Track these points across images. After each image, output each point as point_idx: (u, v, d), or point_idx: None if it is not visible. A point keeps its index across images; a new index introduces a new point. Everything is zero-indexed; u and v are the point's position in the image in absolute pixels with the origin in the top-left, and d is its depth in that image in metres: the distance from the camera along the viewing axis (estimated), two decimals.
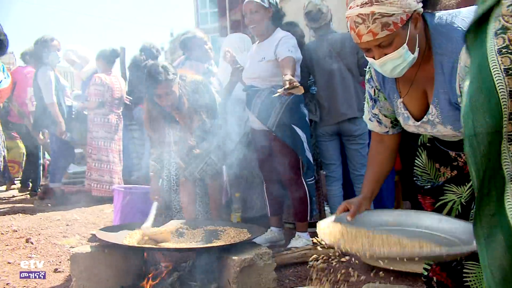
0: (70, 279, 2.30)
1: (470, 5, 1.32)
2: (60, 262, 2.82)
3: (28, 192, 5.34)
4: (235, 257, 2.14)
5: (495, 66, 0.76)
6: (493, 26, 0.78)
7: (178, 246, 2.39)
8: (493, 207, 0.72)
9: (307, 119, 3.03)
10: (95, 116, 4.67)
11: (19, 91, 5.02)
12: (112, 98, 4.69)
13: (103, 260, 2.27)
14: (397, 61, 1.27)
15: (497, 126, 0.71)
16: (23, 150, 5.61)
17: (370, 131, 1.69)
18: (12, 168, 5.76)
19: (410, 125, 1.44)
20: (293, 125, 2.89)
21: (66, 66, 5.43)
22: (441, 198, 1.52)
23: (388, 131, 1.58)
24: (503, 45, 0.77)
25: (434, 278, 1.58)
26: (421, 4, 1.25)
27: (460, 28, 1.25)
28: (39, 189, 5.18)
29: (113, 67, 4.95)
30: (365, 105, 1.62)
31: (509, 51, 0.77)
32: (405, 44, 1.24)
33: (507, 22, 0.78)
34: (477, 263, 1.40)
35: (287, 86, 2.41)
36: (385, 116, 1.56)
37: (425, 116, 1.38)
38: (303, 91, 2.51)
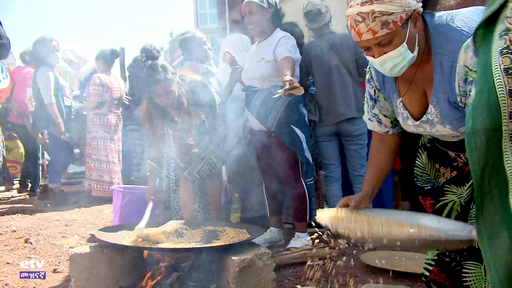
0: (69, 279, 2.30)
1: (469, 6, 1.33)
2: (59, 262, 2.81)
3: (27, 192, 5.33)
4: (234, 258, 2.14)
5: (496, 66, 0.77)
6: (499, 28, 0.79)
7: (177, 246, 2.39)
8: (497, 205, 0.72)
9: (306, 119, 3.04)
10: (94, 116, 4.67)
11: (18, 91, 5.02)
12: (111, 98, 4.69)
13: (102, 261, 2.26)
14: (396, 60, 1.27)
15: (495, 123, 0.72)
16: (23, 150, 5.61)
17: (369, 132, 1.70)
18: (14, 169, 5.77)
19: (410, 125, 1.45)
20: (292, 125, 2.89)
21: (64, 66, 5.43)
22: (441, 199, 1.53)
23: (388, 131, 1.59)
24: (505, 46, 0.78)
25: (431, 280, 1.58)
26: (420, 4, 1.26)
27: (459, 28, 1.26)
28: (38, 189, 5.18)
29: (113, 67, 4.95)
30: (365, 105, 1.63)
31: (510, 51, 0.77)
32: (405, 42, 1.25)
33: (510, 23, 0.78)
34: (476, 263, 1.40)
35: (287, 86, 2.41)
36: (385, 116, 1.56)
37: (424, 116, 1.39)
38: (303, 92, 2.51)
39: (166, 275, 2.26)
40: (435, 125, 1.38)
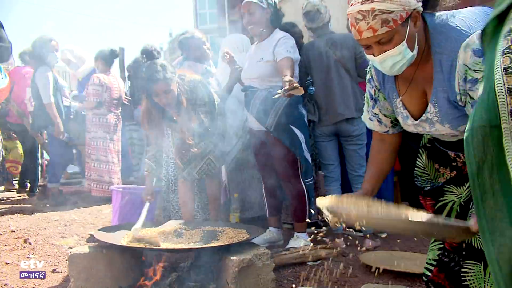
0: (68, 279, 2.30)
1: (469, 6, 1.34)
2: (58, 262, 2.81)
3: (26, 193, 5.33)
4: (233, 258, 2.14)
5: (497, 66, 0.77)
6: (505, 28, 0.80)
7: (176, 246, 2.39)
8: (498, 201, 0.72)
9: (305, 119, 3.04)
10: (94, 116, 4.67)
11: (17, 91, 5.01)
12: (110, 98, 4.69)
13: (101, 261, 2.26)
14: (396, 58, 1.28)
15: (492, 120, 0.73)
16: (21, 150, 5.61)
17: (369, 132, 1.70)
18: (14, 169, 5.76)
19: (409, 125, 1.46)
20: (291, 126, 2.88)
21: (62, 65, 5.42)
22: (441, 199, 1.53)
23: (388, 131, 1.60)
24: (506, 46, 0.79)
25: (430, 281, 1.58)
26: (420, 4, 1.27)
27: (458, 28, 1.27)
28: (37, 190, 5.17)
29: (112, 67, 4.95)
30: (365, 105, 1.64)
31: (510, 51, 0.78)
32: (404, 41, 1.26)
33: None
34: (476, 262, 1.41)
35: (287, 87, 2.41)
36: (385, 115, 1.57)
37: (424, 115, 1.40)
38: (303, 92, 2.51)
39: (165, 276, 2.26)
40: (434, 124, 1.38)
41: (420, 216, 1.13)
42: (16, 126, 5.22)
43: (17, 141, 5.65)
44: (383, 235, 3.39)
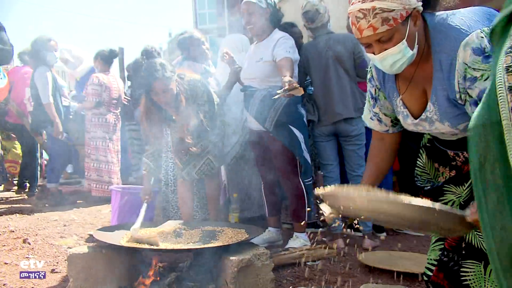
0: (67, 279, 2.30)
1: (469, 6, 1.34)
2: (57, 262, 2.81)
3: (25, 193, 5.32)
4: (232, 258, 2.14)
5: (499, 65, 0.78)
6: None
7: (175, 246, 2.39)
8: (500, 196, 0.73)
9: (304, 119, 3.04)
10: (93, 116, 4.67)
11: (17, 91, 5.01)
12: (109, 98, 4.69)
13: (100, 261, 2.26)
14: (396, 56, 1.30)
15: (493, 117, 0.74)
16: (20, 150, 5.60)
17: (368, 132, 1.71)
18: (13, 169, 5.76)
19: (409, 124, 1.47)
20: (290, 126, 2.89)
21: (60, 65, 5.41)
22: (441, 198, 1.53)
23: (388, 130, 1.61)
24: (509, 46, 0.79)
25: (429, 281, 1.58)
26: (420, 3, 1.29)
27: (458, 27, 1.28)
28: (36, 189, 5.17)
29: (111, 67, 4.95)
30: (366, 104, 1.65)
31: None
32: (405, 40, 1.28)
33: None
34: (476, 262, 1.41)
35: (287, 87, 2.41)
36: (385, 115, 1.58)
37: (423, 113, 1.41)
38: (302, 93, 2.52)
39: (164, 276, 2.26)
40: (434, 123, 1.40)
41: (417, 201, 1.13)
42: (15, 126, 5.22)
43: (16, 141, 5.65)
44: (382, 235, 3.39)
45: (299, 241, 2.94)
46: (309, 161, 3.00)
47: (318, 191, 1.32)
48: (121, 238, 2.42)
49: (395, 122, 1.58)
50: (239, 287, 2.14)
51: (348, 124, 3.19)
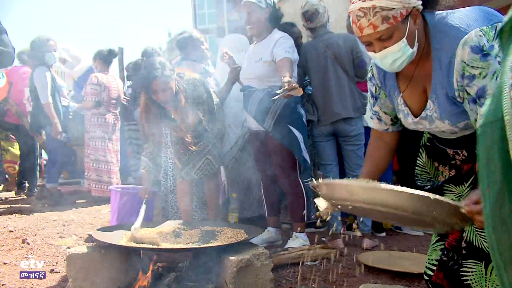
0: (67, 279, 2.29)
1: (469, 6, 1.35)
2: (56, 262, 2.81)
3: (24, 193, 5.32)
4: (232, 258, 2.14)
5: (506, 64, 0.79)
6: None
7: (175, 246, 2.38)
8: (501, 191, 0.73)
9: (304, 119, 3.04)
10: (92, 116, 4.67)
11: (16, 91, 5.00)
12: (109, 98, 4.69)
13: (99, 261, 2.26)
14: (396, 54, 1.31)
15: (498, 114, 0.74)
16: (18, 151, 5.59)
17: (366, 132, 1.71)
18: (12, 169, 5.75)
19: (410, 122, 1.49)
20: (289, 126, 2.89)
21: (57, 64, 5.40)
22: None
23: (387, 128, 1.62)
24: None
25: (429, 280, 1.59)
26: (420, 2, 1.30)
27: (457, 25, 1.30)
28: (36, 189, 5.16)
29: (110, 67, 4.94)
30: (367, 105, 1.66)
31: None
32: (404, 38, 1.29)
33: None
34: (477, 262, 1.41)
35: (286, 87, 2.41)
36: (385, 113, 1.60)
37: (424, 112, 1.42)
38: (302, 93, 2.52)
39: (163, 275, 2.26)
40: (434, 121, 1.41)
41: (412, 190, 1.12)
42: (14, 126, 5.21)
43: (15, 142, 5.64)
44: (382, 235, 3.40)
45: (298, 241, 2.94)
46: (309, 161, 3.00)
47: (314, 182, 1.32)
48: (120, 238, 2.42)
49: (395, 120, 1.59)
50: (238, 287, 2.14)
51: (347, 124, 3.19)
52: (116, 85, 4.84)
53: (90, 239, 3.15)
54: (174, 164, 3.06)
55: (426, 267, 1.63)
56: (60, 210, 4.29)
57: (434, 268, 1.58)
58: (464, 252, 1.45)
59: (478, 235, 1.41)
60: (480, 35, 1.23)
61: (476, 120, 1.27)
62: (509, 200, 0.71)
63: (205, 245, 2.33)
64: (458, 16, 1.32)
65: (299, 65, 3.11)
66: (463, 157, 1.48)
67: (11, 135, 5.53)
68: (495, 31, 1.23)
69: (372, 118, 1.63)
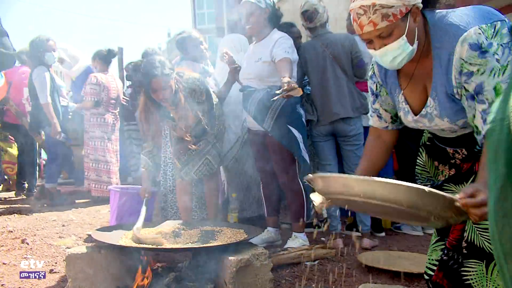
0: (66, 279, 2.29)
1: (468, 5, 1.36)
2: (55, 262, 2.80)
3: (24, 193, 5.31)
4: (231, 258, 2.14)
5: None
6: None
7: (174, 246, 2.38)
8: (505, 184, 0.74)
9: (303, 119, 3.03)
10: (91, 116, 4.67)
11: (15, 91, 5.00)
12: (108, 98, 4.68)
13: (99, 261, 2.26)
14: (396, 52, 1.32)
15: (505, 112, 0.75)
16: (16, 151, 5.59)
17: (365, 132, 1.71)
18: (10, 170, 5.74)
19: (410, 120, 1.49)
20: (289, 126, 2.88)
21: (55, 64, 5.39)
22: None
23: (387, 126, 1.62)
24: None
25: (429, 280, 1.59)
26: (420, 0, 1.31)
27: (457, 23, 1.31)
28: (35, 190, 5.16)
29: (110, 67, 4.94)
30: (369, 103, 1.66)
31: None
32: (404, 35, 1.30)
33: None
34: (478, 261, 1.41)
35: (286, 88, 2.41)
36: (386, 110, 1.60)
37: (424, 109, 1.43)
38: (301, 93, 2.52)
39: (163, 275, 2.26)
40: (433, 119, 1.42)
41: (408, 183, 1.12)
42: (13, 126, 5.21)
43: (13, 143, 5.64)
44: (381, 234, 3.40)
45: (298, 241, 2.94)
46: (308, 161, 3.00)
47: (309, 176, 1.32)
48: (119, 238, 2.42)
49: (395, 118, 1.60)
50: (238, 287, 2.14)
51: (346, 124, 3.19)
52: (116, 85, 4.84)
53: (90, 239, 3.14)
54: (174, 164, 3.06)
55: (426, 267, 1.63)
56: (59, 210, 4.29)
57: (435, 268, 1.57)
58: (464, 251, 1.45)
59: (479, 235, 1.41)
60: (479, 33, 1.24)
61: (474, 116, 1.28)
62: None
63: (204, 245, 2.33)
64: (458, 15, 1.33)
65: (298, 65, 3.11)
66: (463, 156, 1.49)
67: (9, 136, 5.52)
68: (494, 29, 1.24)
69: (372, 116, 1.64)
